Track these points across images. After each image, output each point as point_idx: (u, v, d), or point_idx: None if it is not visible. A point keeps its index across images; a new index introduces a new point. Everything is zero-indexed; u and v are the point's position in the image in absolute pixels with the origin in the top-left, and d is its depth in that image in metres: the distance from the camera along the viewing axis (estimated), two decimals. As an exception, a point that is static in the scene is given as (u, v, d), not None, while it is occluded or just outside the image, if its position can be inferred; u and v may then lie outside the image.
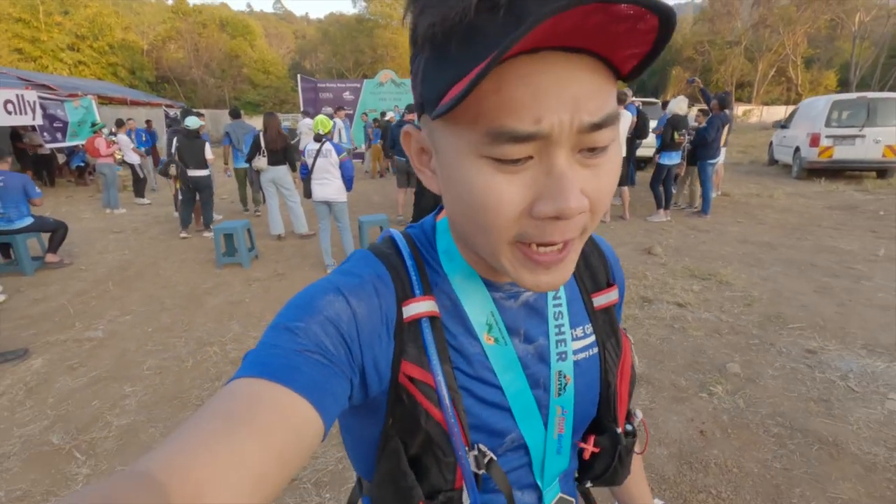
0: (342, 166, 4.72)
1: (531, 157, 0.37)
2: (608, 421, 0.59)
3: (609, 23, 0.31)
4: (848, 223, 6.22)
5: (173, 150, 5.79)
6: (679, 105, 6.21)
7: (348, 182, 4.80)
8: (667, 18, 0.31)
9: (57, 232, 5.13)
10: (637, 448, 0.64)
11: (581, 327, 0.57)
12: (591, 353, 0.57)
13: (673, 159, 6.28)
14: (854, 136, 9.02)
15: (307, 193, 4.89)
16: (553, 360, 0.54)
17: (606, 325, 0.60)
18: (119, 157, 8.64)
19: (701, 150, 6.39)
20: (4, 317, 3.84)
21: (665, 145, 6.25)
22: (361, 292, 0.47)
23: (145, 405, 2.69)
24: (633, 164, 8.35)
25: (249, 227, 5.24)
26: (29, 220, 4.83)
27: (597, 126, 0.36)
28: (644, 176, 9.27)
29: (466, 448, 0.48)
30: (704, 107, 7.10)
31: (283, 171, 5.65)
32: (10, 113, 8.21)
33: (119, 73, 27.59)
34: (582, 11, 0.29)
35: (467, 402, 0.49)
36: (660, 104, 9.99)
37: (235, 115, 6.77)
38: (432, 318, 0.49)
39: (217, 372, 3.00)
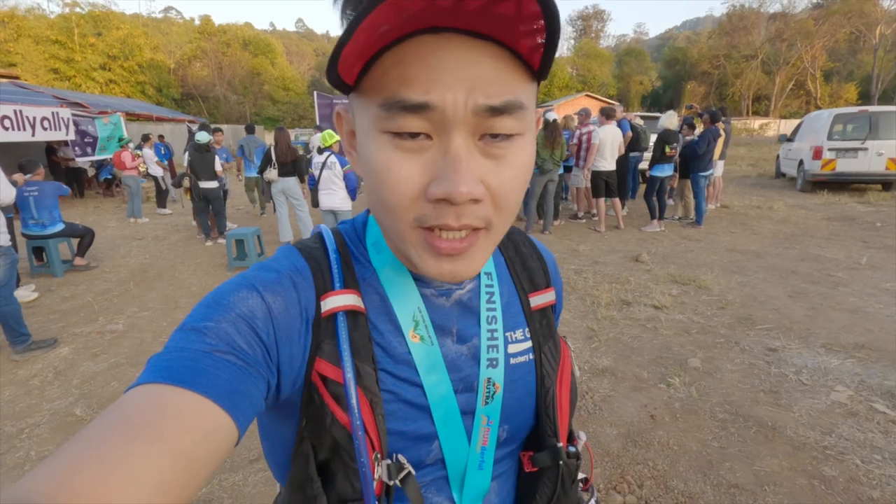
0: (346, 178, 5.07)
1: (430, 138, 0.37)
2: (548, 435, 0.55)
3: (489, 4, 0.32)
4: (841, 233, 6.33)
5: (185, 163, 6.25)
6: (669, 120, 6.44)
7: (352, 192, 5.15)
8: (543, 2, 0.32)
9: (85, 238, 5.58)
10: (581, 474, 0.61)
11: (520, 330, 0.56)
12: (528, 357, 0.55)
13: (665, 171, 6.50)
14: (857, 149, 9.09)
15: (314, 203, 5.25)
16: (483, 366, 0.51)
17: (544, 327, 0.58)
18: (143, 169, 9.21)
19: (692, 163, 6.60)
20: (37, 312, 4.24)
21: (656, 158, 6.47)
22: (278, 287, 0.45)
23: (157, 387, 3.02)
24: (632, 177, 8.58)
25: (259, 234, 5.62)
26: (60, 226, 5.29)
27: (495, 110, 0.36)
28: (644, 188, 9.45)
29: (379, 455, 0.44)
30: (695, 122, 7.32)
31: (292, 182, 6.03)
32: (45, 129, 8.84)
33: (147, 91, 28.86)
34: None
35: (392, 405, 0.47)
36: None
37: (250, 130, 7.23)
38: (354, 313, 0.47)
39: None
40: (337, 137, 5.29)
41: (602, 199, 6.65)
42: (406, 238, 0.41)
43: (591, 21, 59.95)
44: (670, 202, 7.99)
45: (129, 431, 0.31)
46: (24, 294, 4.52)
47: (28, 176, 5.10)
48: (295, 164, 5.96)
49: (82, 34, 26.05)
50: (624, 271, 4.98)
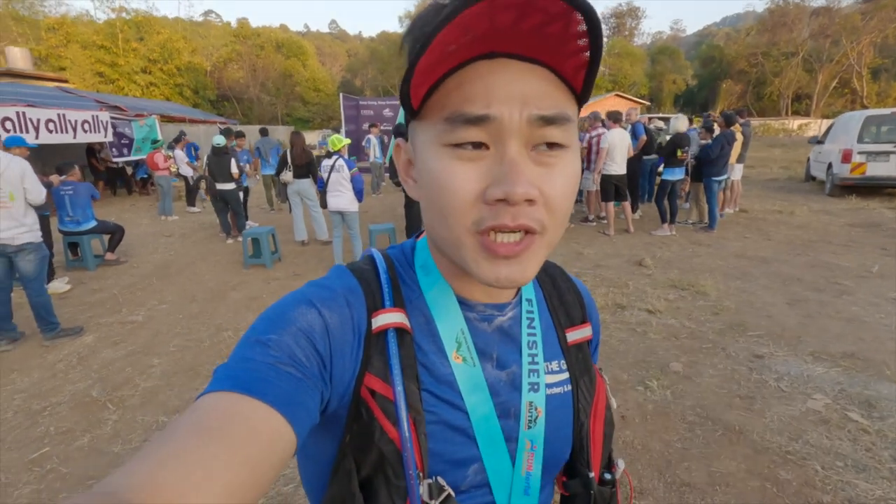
0: (353, 180, 5.29)
1: (487, 148, 0.41)
2: (581, 465, 0.57)
3: (542, 24, 0.36)
4: (860, 240, 6.16)
5: (204, 165, 6.60)
6: (680, 123, 6.40)
7: (358, 194, 5.36)
8: (587, 14, 0.35)
9: (115, 234, 5.98)
10: (621, 502, 0.62)
11: (556, 361, 0.57)
12: (564, 389, 0.56)
13: (676, 175, 6.46)
14: (889, 153, 8.75)
15: (323, 204, 5.49)
16: (525, 390, 0.52)
17: (580, 361, 0.59)
18: (174, 169, 9.70)
19: (705, 167, 6.53)
20: (68, 303, 4.61)
21: (668, 162, 6.44)
22: (333, 304, 0.47)
23: (167, 374, 3.28)
24: (647, 180, 8.52)
25: (274, 233, 5.90)
26: (93, 223, 5.70)
27: (547, 120, 0.40)
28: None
29: (421, 474, 0.45)
30: (714, 126, 7.22)
31: (307, 183, 6.29)
32: (86, 132, 9.45)
33: (184, 93, 30.06)
34: (491, 6, 0.34)
35: (433, 427, 0.47)
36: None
37: (264, 132, 7.60)
38: (401, 332, 0.48)
39: (227, 351, 3.56)
40: (346, 141, 5.52)
41: (611, 203, 6.66)
42: (463, 243, 0.43)
43: (624, 19, 58.82)
44: (685, 206, 7.91)
45: (204, 435, 0.33)
46: (58, 286, 4.92)
47: (63, 177, 5.52)
48: (309, 167, 6.22)
49: (126, 39, 27.36)
50: (624, 275, 5.01)
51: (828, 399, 2.75)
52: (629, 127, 7.63)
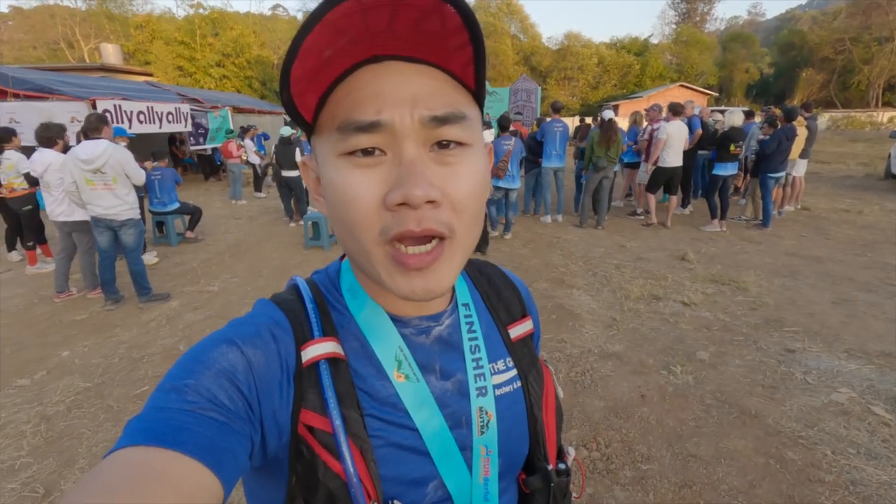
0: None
1: (384, 154, 0.40)
2: (538, 459, 0.57)
3: (417, 21, 0.36)
4: (932, 243, 5.81)
5: (272, 154, 7.19)
6: (735, 117, 6.26)
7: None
8: (457, 7, 0.35)
9: (195, 215, 6.69)
10: (573, 491, 0.62)
11: (501, 360, 0.56)
12: (514, 386, 0.56)
13: (728, 170, 6.33)
14: (979, 149, 8.05)
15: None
16: (473, 396, 0.52)
17: (526, 356, 0.59)
18: (245, 158, 10.51)
19: (762, 162, 6.36)
20: (156, 273, 5.29)
21: (720, 157, 6.33)
22: (258, 340, 0.45)
23: (238, 336, 3.79)
24: (699, 175, 8.32)
25: (331, 218, 6.41)
26: (176, 205, 6.42)
27: (439, 120, 0.39)
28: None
29: (375, 503, 0.44)
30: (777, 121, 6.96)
31: None
32: (169, 122, 10.43)
33: (253, 85, 31.78)
34: (359, 5, 0.34)
35: (382, 451, 0.46)
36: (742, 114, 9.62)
37: (292, 124, 8.12)
38: (335, 361, 0.47)
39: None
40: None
41: (653, 195, 6.63)
42: (374, 257, 0.41)
43: (696, 3, 55.65)
44: (742, 202, 7.69)
45: (113, 495, 0.30)
46: (148, 258, 5.62)
47: (156, 163, 6.25)
48: None
49: (202, 35, 29.29)
50: (665, 269, 5.06)
51: (853, 393, 2.79)
52: (685, 120, 7.51)
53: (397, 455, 0.47)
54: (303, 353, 0.46)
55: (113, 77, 14.74)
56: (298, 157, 7.11)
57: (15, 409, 2.83)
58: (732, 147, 6.15)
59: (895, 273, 4.71)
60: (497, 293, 0.62)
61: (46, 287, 4.86)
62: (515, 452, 0.55)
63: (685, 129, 6.49)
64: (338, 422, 0.44)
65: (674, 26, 52.06)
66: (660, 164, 6.40)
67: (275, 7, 62.73)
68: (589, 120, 11.44)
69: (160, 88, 12.85)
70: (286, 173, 7.21)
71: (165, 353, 3.49)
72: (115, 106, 8.83)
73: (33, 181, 5.05)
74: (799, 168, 7.57)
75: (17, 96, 8.51)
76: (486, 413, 0.52)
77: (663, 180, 6.51)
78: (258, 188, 10.96)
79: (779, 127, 6.33)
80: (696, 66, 42.35)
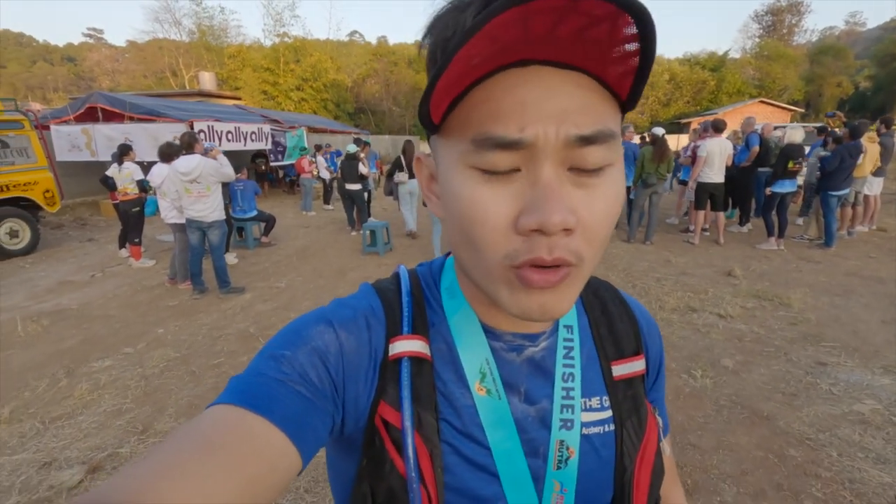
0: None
1: (519, 171, 0.37)
2: None
3: (583, 28, 0.32)
4: None
5: (337, 169, 7.91)
6: (795, 133, 6.12)
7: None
8: (638, 16, 0.31)
9: (269, 222, 7.50)
10: None
11: (597, 398, 0.51)
12: (605, 429, 0.50)
13: (785, 187, 6.17)
14: None
15: (425, 203, 6.37)
16: (555, 427, 0.48)
17: (629, 399, 0.52)
18: (316, 173, 11.47)
19: (822, 180, 6.15)
20: (235, 271, 6.03)
21: (778, 174, 6.19)
22: (352, 325, 0.47)
23: (299, 324, 4.32)
24: (760, 192, 8.06)
25: (388, 227, 6.94)
26: (254, 213, 7.25)
27: (586, 140, 0.35)
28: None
29: None
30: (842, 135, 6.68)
31: (415, 184, 7.27)
32: (253, 140, 11.64)
33: (328, 107, 34.06)
34: (525, 12, 0.30)
35: (450, 458, 0.45)
36: (814, 130, 9.19)
37: (357, 143, 8.77)
38: (419, 360, 0.46)
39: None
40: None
41: (702, 212, 6.58)
42: (496, 276, 0.39)
43: (783, 16, 52.54)
44: (798, 221, 7.38)
45: (206, 449, 0.34)
46: (229, 259, 6.41)
47: (238, 175, 7.13)
48: None
49: (286, 62, 31.97)
50: (708, 283, 5.06)
51: (879, 405, 2.78)
52: (744, 137, 7.38)
53: (466, 468, 0.45)
54: (391, 347, 0.47)
55: (208, 101, 16.58)
56: (363, 170, 7.80)
57: (122, 369, 3.49)
58: (791, 164, 6.01)
59: (965, 296, 4.43)
60: (609, 323, 0.56)
61: (148, 278, 5.74)
62: (595, 499, 0.50)
63: (728, 145, 6.43)
64: (408, 422, 0.44)
65: (757, 40, 49.44)
66: (701, 179, 6.37)
67: (352, 33, 66.77)
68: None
69: (247, 111, 14.30)
70: (349, 186, 7.89)
71: (238, 335, 4.08)
72: (208, 126, 10.05)
73: (141, 188, 6.02)
74: (873, 186, 7.17)
75: (131, 119, 9.96)
76: (568, 448, 0.48)
77: (705, 196, 6.45)
78: (327, 201, 11.87)
79: (842, 143, 6.10)
80: (778, 81, 39.94)
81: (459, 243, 0.41)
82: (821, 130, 8.21)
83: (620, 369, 0.53)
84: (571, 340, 0.52)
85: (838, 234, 6.66)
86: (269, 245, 7.51)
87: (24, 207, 6.96)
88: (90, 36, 70.52)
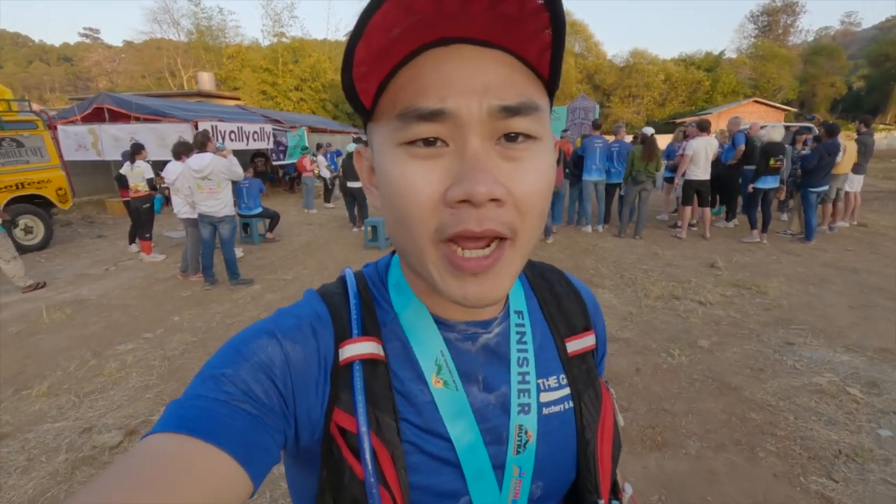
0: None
1: (446, 145, 0.37)
2: (588, 490, 0.51)
3: (494, 2, 0.34)
4: None
5: (338, 167, 8.19)
6: (775, 132, 6.43)
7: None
8: None
9: (274, 219, 7.78)
10: None
11: (554, 377, 0.52)
12: (565, 406, 0.51)
13: (767, 183, 6.48)
14: None
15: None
16: (514, 413, 0.48)
17: (583, 374, 0.54)
18: (317, 172, 11.74)
19: (803, 177, 6.46)
20: (243, 264, 6.30)
21: (760, 171, 6.50)
22: (297, 334, 0.45)
23: (306, 312, 4.60)
24: (746, 189, 8.38)
25: (388, 223, 7.24)
26: (259, 209, 7.52)
27: (510, 110, 0.36)
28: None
29: None
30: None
31: None
32: (255, 140, 11.90)
33: (327, 107, 34.25)
34: None
35: (414, 458, 0.45)
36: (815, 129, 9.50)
37: (360, 142, 9.06)
38: (373, 361, 0.46)
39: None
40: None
41: (688, 207, 6.89)
42: (427, 256, 0.39)
43: (778, 16, 52.93)
44: (783, 217, 7.70)
45: (135, 485, 0.31)
46: (237, 252, 6.69)
47: (244, 173, 7.40)
48: None
49: (284, 62, 32.15)
50: (691, 274, 5.36)
51: (836, 378, 3.08)
52: (730, 136, 7.68)
53: (429, 465, 0.45)
54: (340, 352, 0.45)
55: (208, 101, 16.82)
56: (361, 170, 8.09)
57: (144, 351, 3.77)
58: (772, 161, 6.32)
59: (929, 284, 4.74)
60: (558, 302, 0.58)
61: (160, 272, 6.02)
62: (559, 478, 0.51)
63: (713, 144, 6.74)
64: (363, 427, 0.43)
65: (753, 40, 49.83)
66: (687, 177, 6.69)
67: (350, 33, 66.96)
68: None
69: (248, 111, 14.56)
70: (351, 184, 8.17)
71: (251, 321, 4.34)
72: (212, 126, 10.30)
73: (151, 186, 6.30)
74: (854, 183, 7.49)
75: (137, 119, 10.21)
76: (526, 432, 0.49)
77: (692, 193, 6.77)
78: (328, 199, 12.14)
79: (822, 142, 6.42)
80: (773, 81, 40.36)
81: (393, 226, 0.42)
82: (801, 131, 8.50)
83: (574, 345, 0.55)
84: (523, 325, 0.53)
85: (820, 229, 6.98)
86: (274, 241, 7.78)
87: (38, 205, 7.23)
88: (86, 36, 70.60)
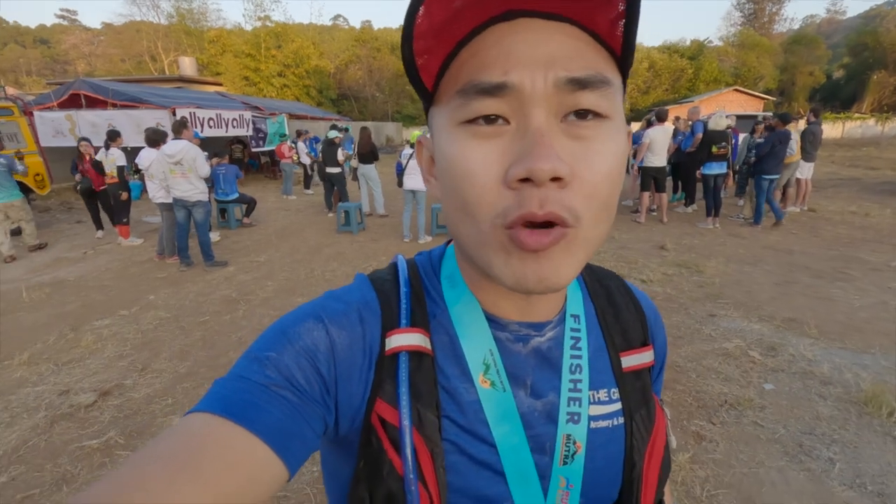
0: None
1: (508, 123, 0.36)
2: None
3: None
4: (917, 242, 6.11)
5: (318, 154, 8.46)
6: (715, 121, 6.82)
7: (425, 178, 6.77)
8: None
9: (251, 204, 8.00)
10: None
11: (605, 390, 0.50)
12: (614, 422, 0.49)
13: (713, 169, 6.87)
14: None
15: (399, 184, 6.92)
16: (562, 421, 0.46)
17: (637, 392, 0.51)
18: (296, 159, 11.91)
19: (756, 164, 6.85)
20: (218, 248, 6.54)
21: (703, 158, 6.88)
22: (344, 320, 0.45)
23: (276, 290, 4.88)
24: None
25: (361, 207, 7.50)
26: (236, 195, 7.74)
27: (580, 82, 0.35)
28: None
29: None
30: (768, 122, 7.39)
31: (369, 168, 7.92)
32: (234, 127, 12.04)
33: (310, 93, 34.08)
34: None
35: (453, 458, 0.43)
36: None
37: (340, 129, 9.33)
38: (418, 354, 0.44)
39: (316, 286, 5.09)
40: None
41: (646, 193, 7.27)
42: (489, 242, 0.37)
43: (764, 3, 53.35)
44: (740, 202, 8.12)
45: (176, 466, 0.32)
46: (213, 237, 6.91)
47: (218, 160, 7.60)
48: (372, 154, 7.88)
49: (267, 47, 31.84)
50: (640, 255, 5.74)
51: (742, 343, 3.47)
52: (690, 124, 8.05)
53: (470, 466, 0.44)
54: (387, 341, 0.45)
55: (189, 87, 16.80)
56: (340, 157, 8.38)
57: (120, 326, 4.04)
58: (715, 148, 6.70)
59: (855, 264, 5.16)
60: (616, 312, 0.55)
61: (137, 255, 6.25)
62: (602, 496, 0.49)
63: (669, 132, 7.12)
64: (406, 421, 0.42)
65: (740, 27, 50.26)
66: (644, 164, 7.06)
67: (335, 17, 66.17)
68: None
69: (228, 98, 14.60)
70: (330, 169, 8.45)
71: (223, 299, 4.65)
72: (190, 113, 10.42)
73: (120, 173, 6.47)
74: (804, 171, 7.91)
75: (114, 105, 10.28)
76: (574, 443, 0.46)
77: (649, 179, 7.15)
78: (307, 185, 12.33)
79: (774, 131, 6.79)
80: (754, 70, 40.92)
81: (453, 212, 0.39)
82: (784, 119, 8.87)
83: (629, 360, 0.52)
84: (578, 330, 0.50)
85: (770, 214, 7.40)
86: (251, 226, 8.02)
87: (16, 190, 7.35)
88: (63, 17, 68.75)
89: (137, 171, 6.50)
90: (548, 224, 0.35)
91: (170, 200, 5.53)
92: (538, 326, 0.48)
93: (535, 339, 0.48)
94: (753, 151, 7.55)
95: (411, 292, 0.49)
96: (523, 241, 0.35)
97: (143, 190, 7.47)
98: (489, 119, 0.36)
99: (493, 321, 0.47)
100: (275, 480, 0.36)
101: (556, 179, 0.34)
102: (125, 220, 6.75)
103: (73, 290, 4.98)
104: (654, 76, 39.30)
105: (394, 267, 0.53)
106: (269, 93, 30.35)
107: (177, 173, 5.22)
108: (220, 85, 23.92)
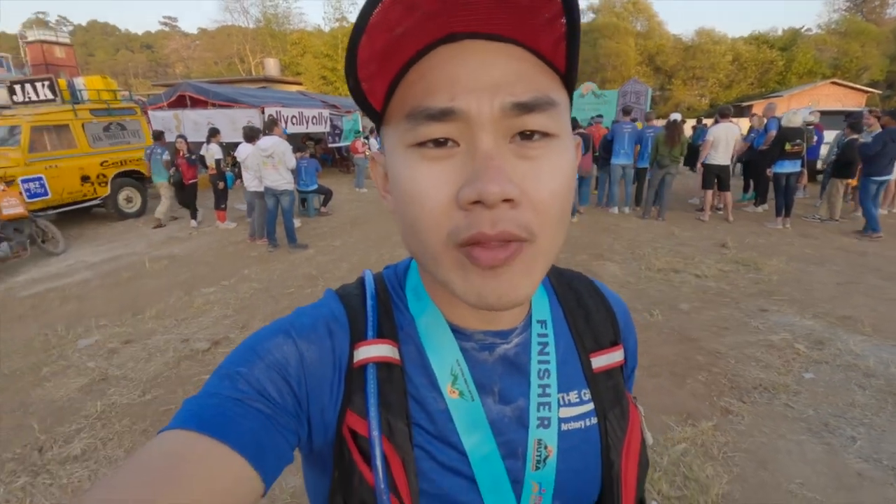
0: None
1: (457, 145, 0.36)
2: None
3: None
4: None
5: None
6: (788, 118, 6.58)
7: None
8: None
9: (328, 195, 8.77)
10: None
11: (575, 391, 0.51)
12: (587, 423, 0.50)
13: (786, 168, 6.64)
14: None
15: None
16: (532, 426, 0.47)
17: (609, 391, 0.52)
18: (368, 154, 12.69)
19: (864, 165, 6.38)
20: (300, 233, 7.30)
21: (774, 155, 6.66)
22: (313, 334, 0.46)
23: (350, 271, 5.47)
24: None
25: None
26: (315, 186, 8.53)
27: (524, 107, 0.35)
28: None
29: None
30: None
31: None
32: (314, 124, 13.03)
33: (382, 91, 35.36)
34: None
35: (425, 464, 0.44)
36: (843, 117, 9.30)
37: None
38: (387, 365, 0.45)
39: (379, 265, 5.62)
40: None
41: (709, 191, 7.15)
42: (442, 261, 0.38)
43: (873, -12, 48.05)
44: (818, 203, 7.74)
45: (154, 483, 0.32)
46: (296, 223, 7.71)
47: (301, 154, 8.41)
48: None
49: (344, 47, 33.42)
50: (699, 252, 5.76)
51: (790, 336, 3.54)
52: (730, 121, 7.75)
53: (441, 474, 0.45)
54: (355, 353, 0.46)
55: (273, 87, 18.22)
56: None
57: (222, 293, 4.79)
58: (788, 146, 6.48)
59: (931, 267, 4.92)
60: (586, 314, 0.55)
61: (232, 237, 7.15)
62: (581, 497, 0.50)
63: (734, 130, 6.94)
64: (375, 432, 0.42)
65: (844, 13, 45.72)
66: (707, 161, 6.95)
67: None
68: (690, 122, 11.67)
69: (308, 96, 15.74)
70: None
71: (304, 276, 5.31)
72: (276, 112, 11.45)
73: (217, 166, 7.37)
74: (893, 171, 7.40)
75: (213, 105, 11.54)
76: (546, 447, 0.47)
77: (711, 177, 7.03)
78: (377, 179, 13.08)
79: (885, 128, 6.33)
80: (857, 60, 37.17)
81: (406, 231, 0.40)
82: (849, 116, 8.38)
83: (600, 361, 0.53)
84: (546, 335, 0.51)
85: (854, 215, 7.04)
86: (327, 214, 8.79)
87: (136, 179, 8.60)
88: (166, 24, 75.96)
89: (235, 163, 7.38)
90: (501, 245, 0.36)
91: (262, 189, 6.30)
92: (503, 334, 0.49)
93: (502, 347, 0.49)
94: (835, 150, 7.21)
95: (379, 304, 0.50)
96: (478, 258, 0.36)
97: (235, 180, 8.44)
98: (438, 142, 0.36)
99: (457, 332, 0.48)
100: (250, 492, 0.36)
101: (507, 201, 0.35)
102: (223, 206, 7.70)
103: (183, 263, 5.87)
104: (739, 69, 36.87)
105: (361, 281, 0.54)
106: (345, 92, 31.92)
107: (268, 165, 5.97)
108: (301, 84, 25.57)
